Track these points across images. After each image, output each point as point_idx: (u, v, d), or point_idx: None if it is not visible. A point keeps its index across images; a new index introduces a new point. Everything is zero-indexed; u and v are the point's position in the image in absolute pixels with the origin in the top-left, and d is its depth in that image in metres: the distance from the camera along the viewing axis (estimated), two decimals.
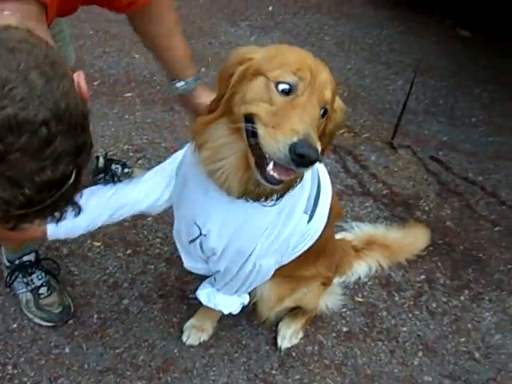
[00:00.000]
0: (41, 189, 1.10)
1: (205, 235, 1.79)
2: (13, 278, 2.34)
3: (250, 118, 1.44)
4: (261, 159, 1.42)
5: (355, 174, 3.21)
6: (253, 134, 1.43)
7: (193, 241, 1.86)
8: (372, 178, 3.20)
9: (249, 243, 1.78)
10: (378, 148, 3.42)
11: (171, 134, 3.27)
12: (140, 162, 3.03)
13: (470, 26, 4.67)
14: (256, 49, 1.53)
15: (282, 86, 1.40)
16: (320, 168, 1.94)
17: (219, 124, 1.56)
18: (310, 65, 1.43)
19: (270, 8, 4.62)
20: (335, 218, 2.12)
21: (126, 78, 3.67)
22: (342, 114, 1.62)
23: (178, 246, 2.05)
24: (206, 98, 2.04)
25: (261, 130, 1.38)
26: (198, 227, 1.79)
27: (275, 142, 1.33)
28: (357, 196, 3.08)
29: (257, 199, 1.61)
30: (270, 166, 1.39)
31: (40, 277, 2.34)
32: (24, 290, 2.33)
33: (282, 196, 1.62)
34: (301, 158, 1.30)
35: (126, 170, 2.83)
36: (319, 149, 1.33)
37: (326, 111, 1.46)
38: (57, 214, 1.28)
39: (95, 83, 3.55)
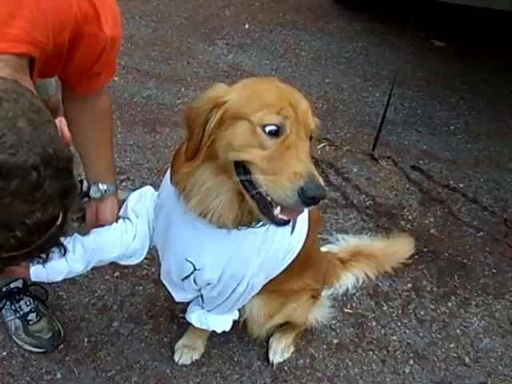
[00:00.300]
0: (31, 231, 1.15)
1: (199, 269, 1.77)
2: (0, 305, 2.33)
3: (240, 164, 1.43)
4: (263, 204, 1.41)
5: (338, 187, 3.24)
6: (248, 181, 1.43)
7: (186, 277, 1.84)
8: (355, 189, 3.23)
9: (242, 267, 1.78)
10: (359, 160, 3.45)
11: (154, 154, 3.28)
12: (124, 183, 3.04)
13: (444, 36, 4.75)
14: (227, 89, 1.50)
15: (268, 128, 1.38)
16: None
17: (201, 168, 1.53)
18: (289, 99, 1.43)
19: (247, 26, 4.67)
20: (315, 225, 2.10)
21: None
22: (317, 130, 1.56)
23: (168, 285, 2.03)
24: (113, 207, 2.05)
25: (262, 179, 1.37)
26: (192, 263, 1.77)
27: (282, 190, 1.33)
28: (341, 208, 3.10)
29: (249, 225, 1.61)
30: (278, 210, 1.39)
31: (28, 303, 2.33)
32: (12, 317, 2.32)
33: None
34: (311, 199, 1.31)
35: None
36: (323, 183, 1.34)
37: (311, 137, 1.48)
38: (43, 256, 1.31)
39: None
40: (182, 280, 1.87)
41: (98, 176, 2.03)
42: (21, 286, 2.34)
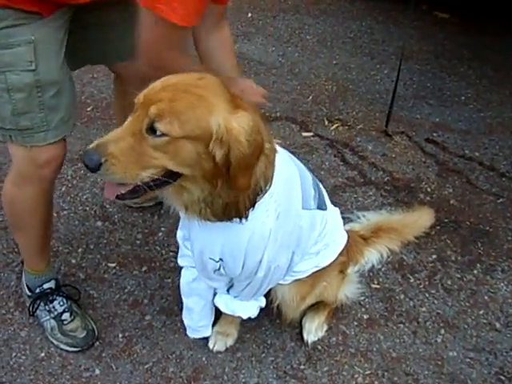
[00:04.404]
0: None
1: (221, 259, 1.84)
2: (35, 306, 2.37)
3: None
4: None
5: (355, 166, 3.25)
6: None
7: (218, 269, 1.90)
8: (372, 167, 3.25)
9: (259, 254, 1.83)
10: (373, 137, 3.46)
11: None
12: None
13: (446, 7, 4.73)
14: None
15: None
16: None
17: None
18: (152, 90, 1.50)
19: (250, 15, 4.67)
20: None
21: None
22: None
23: (207, 280, 2.07)
24: None
25: None
26: (213, 259, 1.85)
27: None
28: (359, 186, 3.12)
29: (218, 219, 1.68)
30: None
31: (62, 303, 2.37)
32: (47, 317, 2.36)
33: (240, 215, 1.68)
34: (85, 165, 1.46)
35: None
36: (101, 156, 1.43)
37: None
38: None
39: (88, 109, 3.59)
40: (214, 272, 1.93)
41: None
42: (54, 286, 2.39)
